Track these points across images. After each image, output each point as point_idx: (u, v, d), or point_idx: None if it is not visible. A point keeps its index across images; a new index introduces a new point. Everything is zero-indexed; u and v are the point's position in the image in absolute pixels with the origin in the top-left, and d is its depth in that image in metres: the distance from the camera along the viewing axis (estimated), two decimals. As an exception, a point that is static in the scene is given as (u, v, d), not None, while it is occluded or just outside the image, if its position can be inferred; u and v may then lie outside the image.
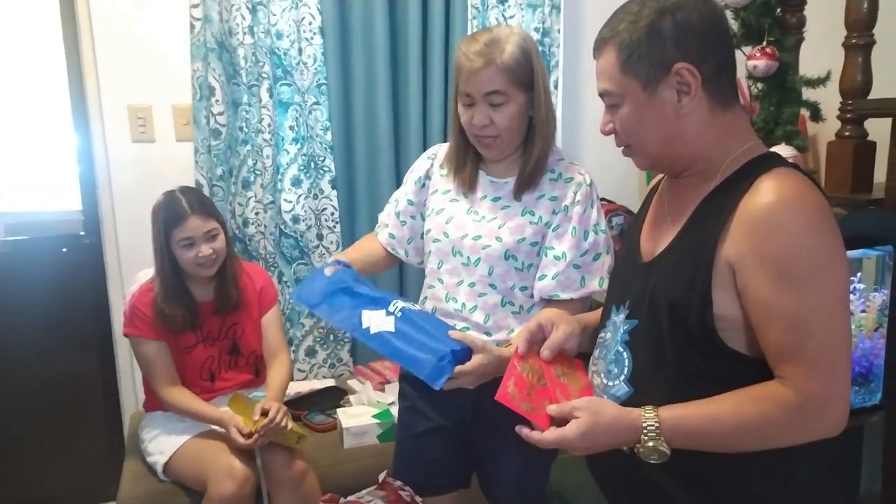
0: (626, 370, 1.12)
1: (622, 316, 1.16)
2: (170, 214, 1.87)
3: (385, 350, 1.31)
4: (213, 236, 1.90)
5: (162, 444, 1.94)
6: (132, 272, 2.20)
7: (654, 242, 1.16)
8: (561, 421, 1.04)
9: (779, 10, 2.03)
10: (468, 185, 1.53)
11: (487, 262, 1.47)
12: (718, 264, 1.01)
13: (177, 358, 1.96)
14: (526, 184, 1.48)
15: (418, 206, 1.62)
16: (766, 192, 0.99)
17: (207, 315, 1.98)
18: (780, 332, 0.98)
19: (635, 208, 2.66)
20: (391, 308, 1.35)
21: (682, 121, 1.06)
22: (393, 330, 1.31)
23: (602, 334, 1.22)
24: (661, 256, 1.12)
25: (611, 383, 1.14)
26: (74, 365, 2.53)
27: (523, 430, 1.05)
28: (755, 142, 1.11)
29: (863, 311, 1.66)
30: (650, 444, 1.01)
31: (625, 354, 1.13)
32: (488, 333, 1.48)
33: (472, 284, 1.49)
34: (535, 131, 1.47)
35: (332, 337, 2.59)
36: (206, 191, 2.36)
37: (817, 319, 0.97)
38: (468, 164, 1.53)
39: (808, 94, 2.02)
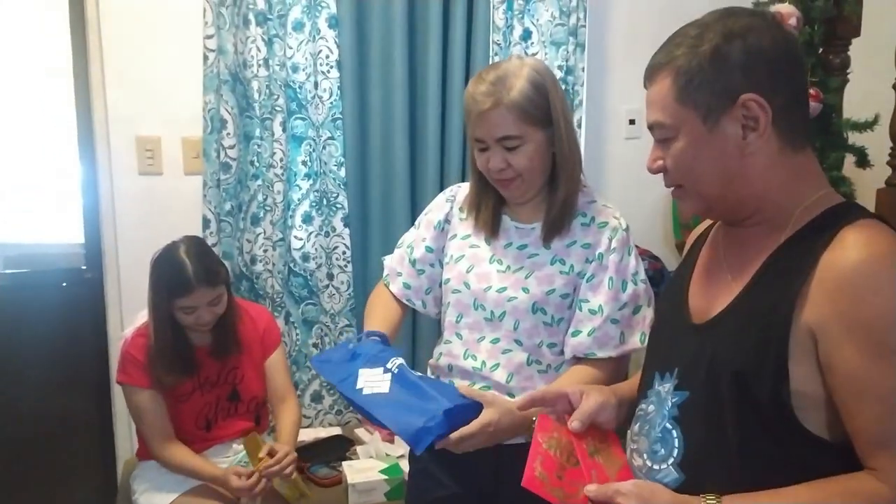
0: (675, 452, 0.96)
1: (669, 386, 1.00)
2: (174, 282, 1.73)
3: (373, 414, 1.15)
4: (216, 303, 1.78)
5: (152, 498, 1.81)
6: (133, 310, 2.07)
7: (709, 300, 1.01)
8: None
9: (821, 49, 1.92)
10: (490, 231, 1.39)
11: (513, 315, 1.33)
12: (796, 331, 0.86)
13: (172, 406, 1.83)
14: (555, 228, 1.34)
15: (437, 253, 1.48)
16: (853, 247, 0.85)
17: (205, 359, 1.85)
18: (875, 415, 0.83)
19: (661, 256, 2.59)
20: (389, 365, 1.21)
21: (746, 160, 0.92)
22: (387, 391, 1.16)
23: (643, 406, 1.06)
24: (720, 318, 0.97)
25: (656, 466, 0.98)
26: (70, 405, 2.42)
27: None
28: (829, 189, 0.96)
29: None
30: None
31: (674, 433, 0.97)
32: (511, 394, 1.33)
33: (494, 341, 1.35)
34: (558, 169, 1.34)
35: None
36: (213, 226, 2.27)
37: None
38: (490, 207, 1.40)
39: (853, 138, 1.90)
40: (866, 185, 1.90)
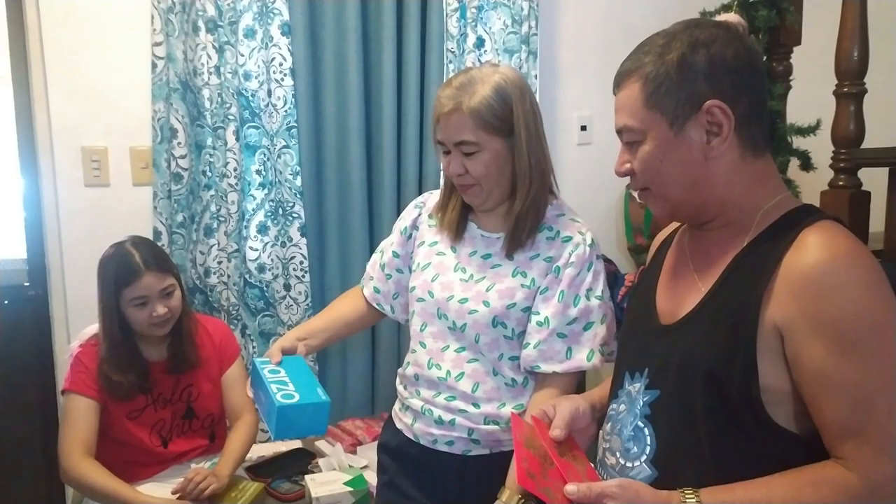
0: (648, 449, 0.98)
1: (639, 385, 1.02)
2: (121, 271, 1.68)
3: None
4: (168, 293, 1.73)
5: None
6: (80, 327, 1.99)
7: (676, 303, 1.03)
8: None
9: (766, 57, 1.98)
10: (455, 236, 1.39)
11: (474, 328, 1.32)
12: (762, 328, 0.89)
13: (123, 423, 1.76)
14: (515, 240, 1.32)
15: (404, 259, 1.47)
16: (814, 247, 0.88)
17: (159, 375, 1.79)
18: (841, 407, 0.86)
19: (614, 259, 2.62)
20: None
21: (710, 164, 0.96)
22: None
23: (614, 406, 1.08)
24: (688, 319, 0.99)
25: (629, 464, 1.00)
26: (14, 428, 2.30)
27: None
28: (787, 193, 1.00)
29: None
30: None
31: (646, 430, 0.99)
32: (476, 405, 1.32)
33: (459, 350, 1.34)
34: (516, 180, 1.31)
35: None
36: (164, 238, 2.21)
37: (883, 391, 0.85)
38: (456, 210, 1.39)
39: (797, 142, 1.96)
40: (810, 188, 1.96)
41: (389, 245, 1.50)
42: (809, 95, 2.01)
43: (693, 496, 0.88)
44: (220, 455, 1.80)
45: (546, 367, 1.29)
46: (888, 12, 1.98)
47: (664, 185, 0.99)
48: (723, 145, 0.95)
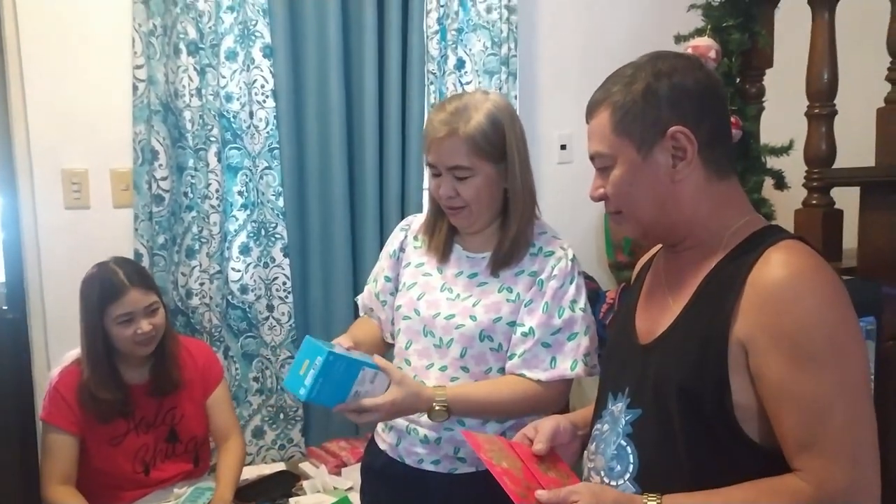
0: (631, 467, 1.01)
1: (621, 405, 1.05)
2: (106, 288, 1.69)
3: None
4: (153, 311, 1.73)
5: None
6: (61, 352, 1.98)
7: (653, 322, 1.06)
8: None
9: (739, 79, 2.02)
10: (441, 256, 1.42)
11: (460, 342, 1.35)
12: (732, 345, 0.92)
13: (104, 451, 1.75)
14: (503, 261, 1.37)
15: (395, 282, 1.50)
16: (777, 264, 0.92)
17: (141, 398, 1.78)
18: (797, 419, 0.89)
19: (595, 276, 2.65)
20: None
21: (676, 186, 1.00)
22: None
23: (598, 426, 1.10)
24: (663, 337, 1.02)
25: (613, 483, 1.02)
26: (-9, 455, 2.24)
27: None
28: (754, 214, 1.04)
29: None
30: None
31: (628, 449, 1.02)
32: (461, 422, 1.35)
33: (442, 368, 1.36)
34: (510, 205, 1.37)
35: (281, 415, 2.41)
36: (146, 260, 2.20)
37: (838, 403, 0.88)
38: (443, 233, 1.43)
39: (771, 162, 2.00)
40: (784, 206, 2.00)
41: (381, 272, 1.52)
42: (782, 116, 2.05)
43: (655, 500, 0.92)
44: (217, 480, 1.81)
45: (531, 374, 1.32)
46: (857, 33, 2.03)
47: (635, 207, 1.03)
48: (687, 168, 0.99)
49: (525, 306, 1.34)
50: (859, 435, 0.88)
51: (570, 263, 1.37)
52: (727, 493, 0.91)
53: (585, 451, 1.12)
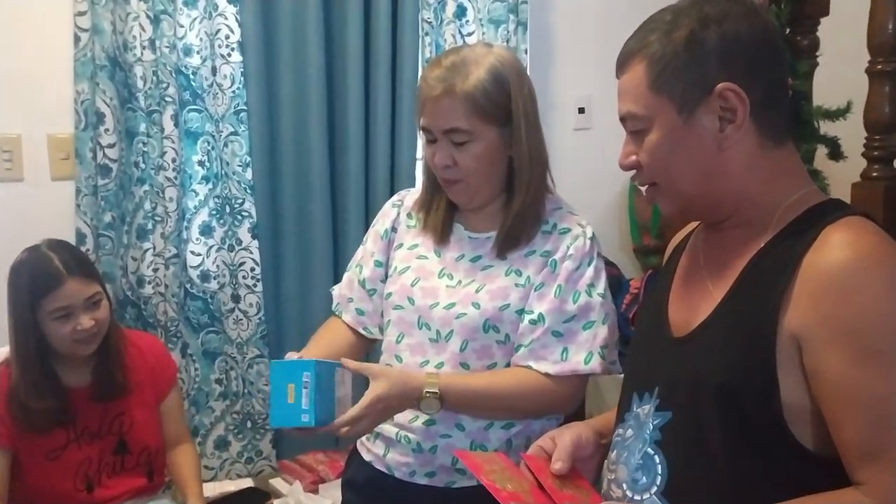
0: (659, 479, 1.01)
1: (648, 407, 1.05)
2: (39, 278, 1.67)
3: None
4: (94, 303, 1.72)
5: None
6: (-10, 348, 1.97)
7: (689, 312, 1.06)
8: None
9: (788, 30, 2.01)
10: (439, 236, 1.42)
11: (461, 335, 1.35)
12: (782, 338, 0.92)
13: (39, 466, 1.75)
14: (510, 240, 1.37)
15: (388, 268, 1.49)
16: (836, 246, 0.91)
17: (83, 404, 1.78)
18: (861, 425, 0.89)
19: (617, 262, 2.65)
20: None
21: (724, 154, 0.99)
22: None
23: (620, 431, 1.11)
24: (701, 329, 1.02)
25: (638, 497, 1.02)
26: None
27: None
28: (812, 187, 1.03)
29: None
30: None
31: (656, 458, 1.02)
32: (461, 427, 1.36)
33: (439, 365, 1.36)
34: (514, 175, 1.37)
35: (249, 423, 2.42)
36: (90, 242, 2.20)
37: None
38: (441, 209, 1.43)
39: (825, 127, 2.00)
40: (840, 180, 2.00)
41: (368, 256, 1.51)
42: (839, 74, 2.05)
43: None
44: (185, 489, 1.84)
45: (538, 367, 1.32)
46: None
47: (674, 178, 1.02)
48: (737, 133, 0.97)
49: (535, 290, 1.35)
50: None
51: (588, 242, 1.37)
52: None
53: (605, 461, 1.12)
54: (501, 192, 1.39)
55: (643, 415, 1.05)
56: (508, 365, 1.36)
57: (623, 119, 1.04)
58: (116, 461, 1.83)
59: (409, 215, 1.49)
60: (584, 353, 1.33)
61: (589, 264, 1.36)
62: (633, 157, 1.04)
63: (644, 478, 1.02)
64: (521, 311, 1.35)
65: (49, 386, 1.72)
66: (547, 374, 1.33)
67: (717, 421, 0.95)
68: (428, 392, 1.27)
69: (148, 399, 1.88)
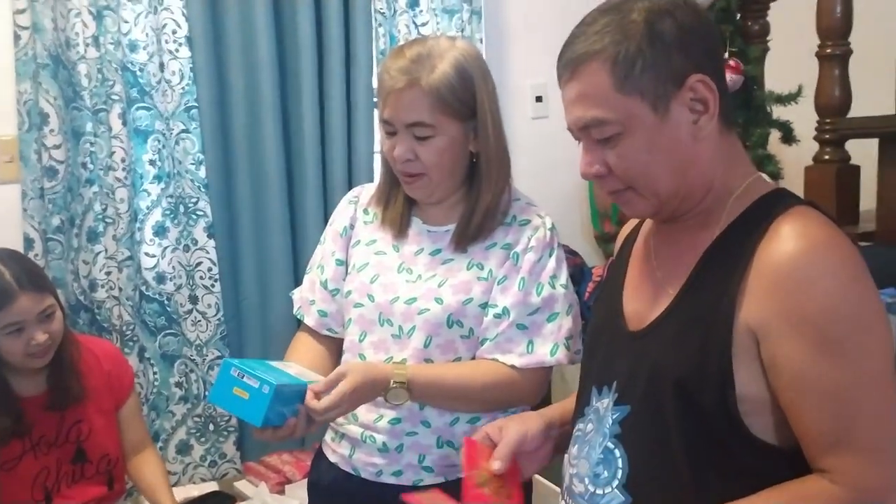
0: (619, 473, 1.02)
1: (607, 401, 1.06)
2: None
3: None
4: (48, 316, 1.69)
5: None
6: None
7: (644, 305, 1.07)
8: None
9: (739, 15, 2.04)
10: (397, 230, 1.43)
11: (424, 330, 1.35)
12: (737, 332, 0.93)
13: None
14: (470, 235, 1.38)
15: (347, 265, 1.49)
16: (788, 237, 0.93)
17: (37, 413, 1.75)
18: (822, 414, 0.91)
19: (579, 250, 2.67)
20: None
21: (699, 146, 0.99)
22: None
23: (580, 425, 1.12)
24: (657, 323, 1.03)
25: (600, 491, 1.04)
26: None
27: None
28: (757, 174, 1.05)
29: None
30: None
31: (617, 452, 1.03)
32: (426, 423, 1.37)
33: (402, 362, 1.36)
34: (481, 171, 1.37)
35: (211, 426, 2.40)
36: (38, 247, 2.16)
37: (867, 394, 0.90)
38: (399, 202, 1.43)
39: (777, 111, 2.04)
40: (793, 163, 2.04)
41: (329, 255, 1.50)
42: (789, 58, 2.08)
43: None
44: (155, 496, 1.84)
45: (504, 360, 1.34)
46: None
47: (654, 179, 1.00)
48: (710, 122, 0.98)
49: (498, 284, 1.36)
50: (892, 427, 0.91)
51: (548, 233, 1.39)
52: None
53: (566, 455, 1.13)
54: (461, 187, 1.40)
55: (602, 409, 1.07)
56: (473, 358, 1.37)
57: (585, 127, 1.00)
58: (75, 470, 1.80)
59: (365, 211, 1.49)
60: (549, 345, 1.35)
61: (550, 255, 1.38)
62: (599, 166, 1.01)
63: (605, 472, 1.03)
64: (484, 305, 1.36)
65: (1, 402, 1.68)
66: (513, 367, 1.34)
67: (674, 415, 0.97)
68: (395, 383, 1.27)
69: (106, 406, 1.85)
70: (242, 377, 1.20)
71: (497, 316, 1.34)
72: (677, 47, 0.96)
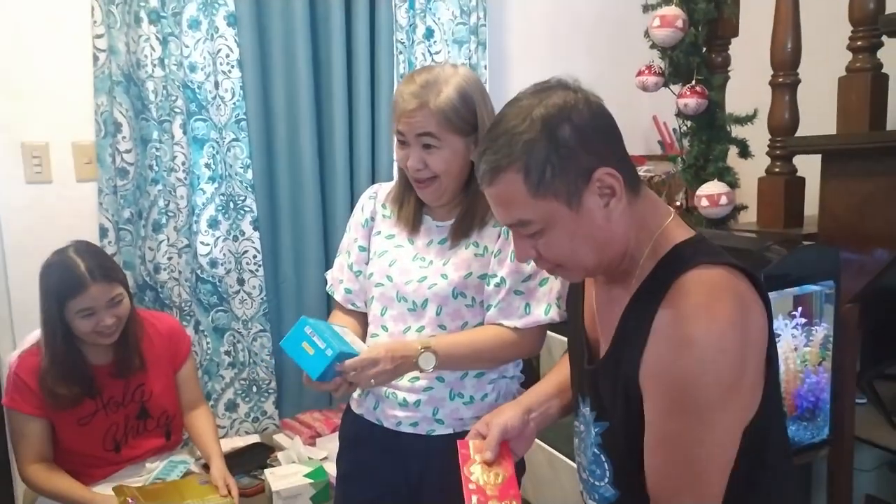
0: (608, 473, 1.04)
1: (588, 411, 1.07)
2: (65, 283, 1.62)
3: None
4: (116, 303, 1.68)
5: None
6: (26, 330, 1.95)
7: (598, 337, 1.07)
8: None
9: (705, 49, 2.04)
10: (411, 227, 1.43)
11: (435, 301, 1.37)
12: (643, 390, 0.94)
13: (72, 431, 1.73)
14: (464, 230, 1.39)
15: (369, 251, 1.50)
16: (678, 304, 0.89)
17: (106, 379, 1.76)
18: (666, 464, 0.91)
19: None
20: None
21: (612, 224, 0.96)
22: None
23: (577, 424, 1.13)
24: (604, 362, 1.02)
25: (597, 483, 1.07)
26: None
27: None
28: (670, 216, 1.00)
29: (806, 345, 1.63)
30: None
31: (602, 457, 1.04)
32: (441, 378, 1.38)
33: (420, 329, 1.38)
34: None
35: (254, 388, 2.41)
36: (111, 235, 2.17)
37: (712, 459, 0.89)
38: (412, 203, 1.43)
39: (735, 131, 2.04)
40: (748, 174, 2.04)
41: (353, 242, 1.51)
42: (747, 85, 2.08)
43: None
44: (205, 452, 1.84)
45: (507, 323, 1.36)
46: (821, 4, 2.06)
47: (579, 259, 0.98)
48: (619, 204, 0.94)
49: (494, 257, 1.37)
50: (710, 480, 0.89)
51: None
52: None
53: (574, 446, 1.14)
54: (464, 189, 1.40)
55: (587, 416, 1.07)
56: (480, 323, 1.39)
57: (511, 225, 0.98)
58: (139, 425, 1.82)
59: (383, 206, 1.50)
60: (543, 306, 1.36)
61: None
62: (532, 251, 0.99)
63: (598, 470, 1.05)
64: (483, 276, 1.37)
65: (75, 372, 1.69)
66: (515, 328, 1.35)
67: (643, 429, 0.95)
68: (423, 347, 1.29)
69: (165, 371, 1.86)
70: (313, 336, 1.22)
71: (497, 285, 1.36)
72: (580, 148, 0.92)
